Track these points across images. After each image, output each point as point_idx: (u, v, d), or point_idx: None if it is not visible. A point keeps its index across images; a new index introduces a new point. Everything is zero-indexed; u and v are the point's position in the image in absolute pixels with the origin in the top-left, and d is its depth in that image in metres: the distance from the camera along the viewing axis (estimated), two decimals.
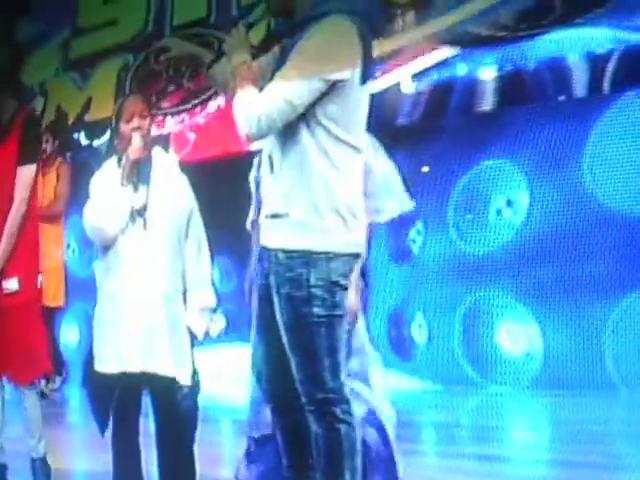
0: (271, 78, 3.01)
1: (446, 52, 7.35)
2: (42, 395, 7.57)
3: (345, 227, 2.99)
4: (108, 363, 3.72)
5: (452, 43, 7.31)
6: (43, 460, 4.32)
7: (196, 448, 3.81)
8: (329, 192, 2.96)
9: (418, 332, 7.73)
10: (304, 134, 2.96)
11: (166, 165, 3.93)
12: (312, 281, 2.96)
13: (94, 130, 9.46)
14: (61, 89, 10.11)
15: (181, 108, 9.22)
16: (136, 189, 3.77)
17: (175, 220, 3.81)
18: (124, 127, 3.85)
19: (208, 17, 9.24)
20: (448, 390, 7.34)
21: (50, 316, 7.71)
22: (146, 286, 3.73)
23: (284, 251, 2.99)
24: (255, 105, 2.93)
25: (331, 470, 3.02)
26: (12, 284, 4.24)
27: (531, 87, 7.10)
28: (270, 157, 3.07)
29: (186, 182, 3.95)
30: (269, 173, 3.07)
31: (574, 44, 6.93)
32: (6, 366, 4.29)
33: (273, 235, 3.04)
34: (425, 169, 7.53)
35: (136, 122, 3.83)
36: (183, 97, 9.23)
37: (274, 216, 3.03)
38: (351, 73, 2.96)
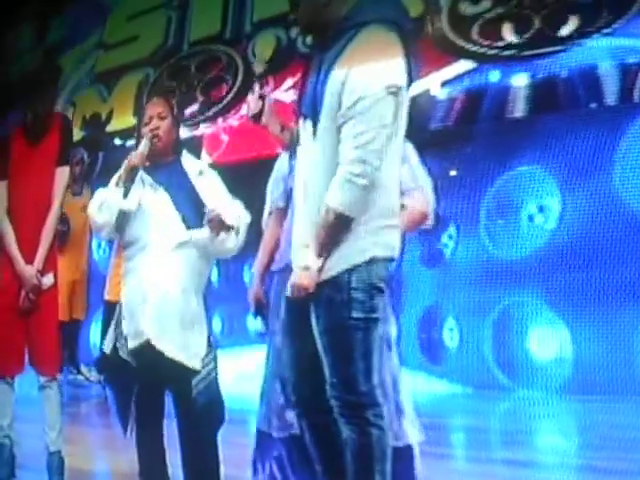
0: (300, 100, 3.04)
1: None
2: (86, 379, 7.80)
3: (387, 231, 3.01)
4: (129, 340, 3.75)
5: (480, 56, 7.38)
6: (59, 454, 4.40)
7: (223, 450, 3.81)
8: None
9: (449, 336, 7.75)
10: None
11: (194, 170, 3.91)
12: (353, 284, 2.96)
13: (127, 131, 9.60)
14: (87, 101, 10.39)
15: (213, 112, 9.34)
16: (126, 195, 3.77)
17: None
18: (143, 130, 3.88)
19: (222, 33, 9.53)
20: (478, 394, 7.35)
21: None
22: (167, 278, 3.75)
23: None
24: (358, 152, 2.88)
25: (361, 474, 3.02)
26: (49, 279, 4.38)
27: (563, 94, 7.10)
28: (305, 183, 3.06)
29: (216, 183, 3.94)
30: (303, 201, 3.07)
31: (605, 53, 6.94)
32: (36, 359, 4.40)
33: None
34: (457, 174, 7.56)
35: (153, 123, 3.85)
36: (214, 101, 9.36)
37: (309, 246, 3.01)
38: (404, 80, 2.96)
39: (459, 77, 7.60)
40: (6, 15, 9.34)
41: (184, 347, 3.72)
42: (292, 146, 3.47)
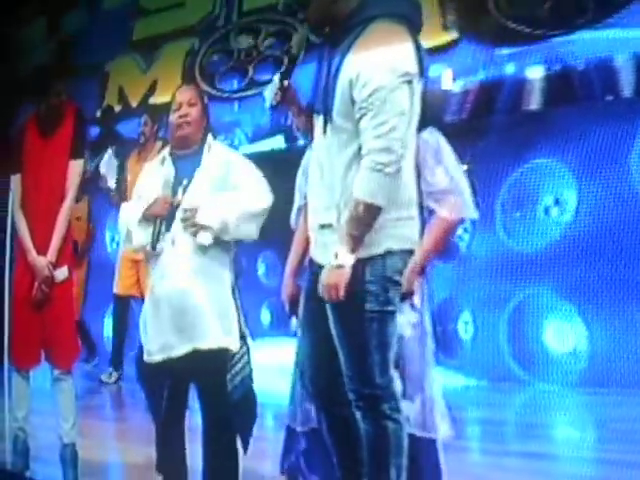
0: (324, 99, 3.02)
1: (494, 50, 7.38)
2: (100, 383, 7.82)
3: (404, 223, 3.01)
4: (153, 353, 3.74)
5: (500, 41, 7.33)
6: (73, 446, 4.43)
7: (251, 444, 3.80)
8: None
9: (464, 329, 7.75)
10: (356, 138, 2.96)
11: (218, 154, 3.88)
12: (367, 277, 2.97)
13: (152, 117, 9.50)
14: (123, 71, 9.99)
15: (236, 95, 9.22)
16: (162, 164, 3.81)
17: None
18: (172, 117, 3.84)
19: (276, 4, 9.18)
20: (493, 387, 7.35)
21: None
22: (179, 270, 3.71)
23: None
24: (382, 141, 2.90)
25: (377, 467, 3.02)
26: (62, 273, 4.40)
27: (579, 86, 7.08)
28: (321, 164, 3.08)
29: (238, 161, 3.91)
30: (319, 179, 3.08)
31: (621, 45, 6.90)
32: (51, 352, 4.44)
33: (326, 247, 3.04)
34: (472, 167, 7.53)
35: (183, 110, 3.81)
36: (240, 85, 9.24)
37: (325, 226, 3.04)
38: (416, 68, 2.98)
39: (476, 68, 7.57)
40: (15, 11, 9.35)
41: (222, 333, 3.69)
42: (306, 135, 3.46)
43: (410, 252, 3.07)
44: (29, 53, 9.70)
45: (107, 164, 7.29)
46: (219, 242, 3.73)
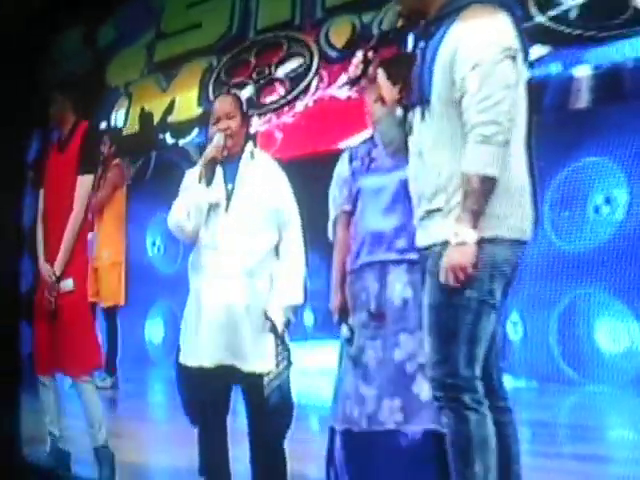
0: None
1: (541, 50, 7.28)
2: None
3: (514, 211, 2.93)
4: (188, 357, 3.79)
5: (547, 41, 7.26)
6: (105, 447, 4.51)
7: (286, 445, 3.83)
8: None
9: (513, 330, 7.69)
10: (457, 120, 2.92)
11: (261, 161, 3.92)
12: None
13: (180, 129, 9.52)
14: (145, 91, 10.18)
15: (269, 108, 9.21)
16: (209, 184, 3.78)
17: (259, 211, 3.83)
18: (211, 129, 3.89)
19: (292, 20, 9.23)
20: (543, 388, 7.28)
21: (112, 315, 7.86)
22: (226, 274, 3.75)
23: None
24: (486, 114, 2.84)
25: (461, 463, 2.90)
26: (68, 284, 4.51)
27: (628, 85, 6.97)
28: (421, 152, 3.02)
29: (282, 181, 3.94)
30: (421, 168, 3.01)
31: None
32: (61, 361, 4.55)
33: (430, 230, 2.97)
34: None
35: (222, 123, 3.85)
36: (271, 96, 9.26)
37: (433, 211, 2.97)
38: (518, 45, 2.95)
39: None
40: (51, 23, 9.46)
41: (257, 354, 3.74)
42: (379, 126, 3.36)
43: (521, 243, 2.98)
44: (63, 64, 9.85)
45: None
46: (267, 259, 3.80)
